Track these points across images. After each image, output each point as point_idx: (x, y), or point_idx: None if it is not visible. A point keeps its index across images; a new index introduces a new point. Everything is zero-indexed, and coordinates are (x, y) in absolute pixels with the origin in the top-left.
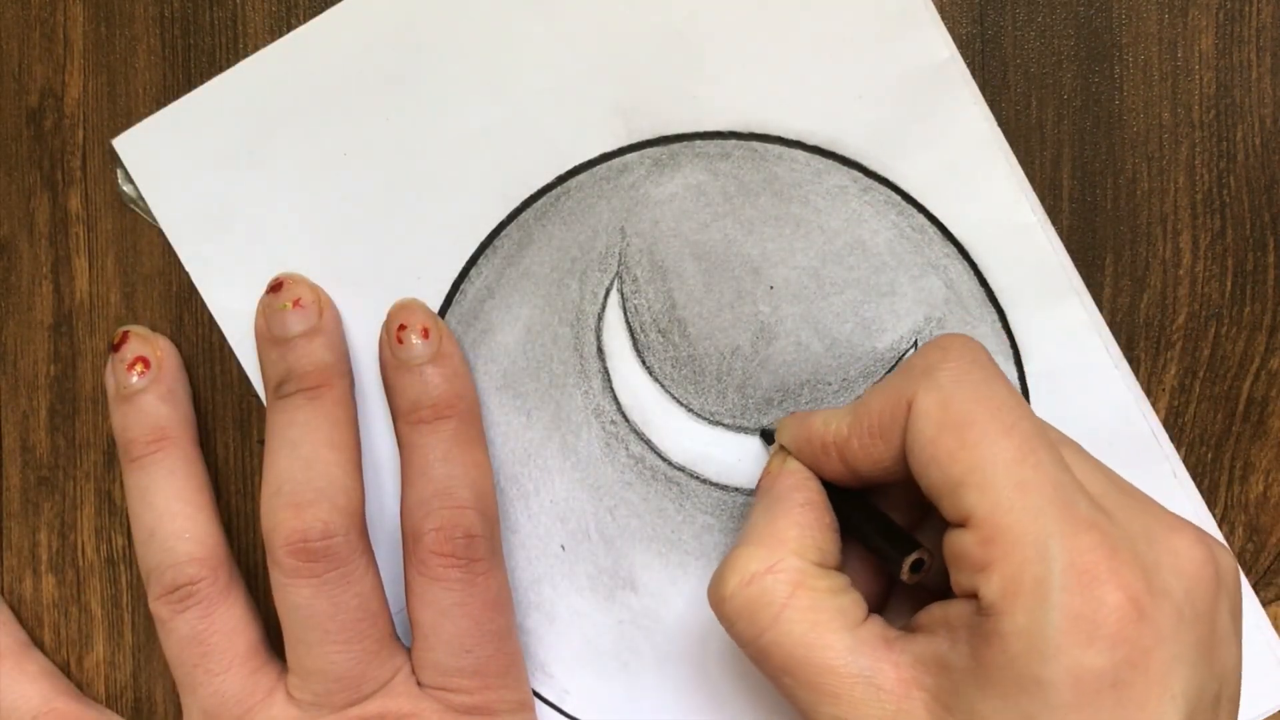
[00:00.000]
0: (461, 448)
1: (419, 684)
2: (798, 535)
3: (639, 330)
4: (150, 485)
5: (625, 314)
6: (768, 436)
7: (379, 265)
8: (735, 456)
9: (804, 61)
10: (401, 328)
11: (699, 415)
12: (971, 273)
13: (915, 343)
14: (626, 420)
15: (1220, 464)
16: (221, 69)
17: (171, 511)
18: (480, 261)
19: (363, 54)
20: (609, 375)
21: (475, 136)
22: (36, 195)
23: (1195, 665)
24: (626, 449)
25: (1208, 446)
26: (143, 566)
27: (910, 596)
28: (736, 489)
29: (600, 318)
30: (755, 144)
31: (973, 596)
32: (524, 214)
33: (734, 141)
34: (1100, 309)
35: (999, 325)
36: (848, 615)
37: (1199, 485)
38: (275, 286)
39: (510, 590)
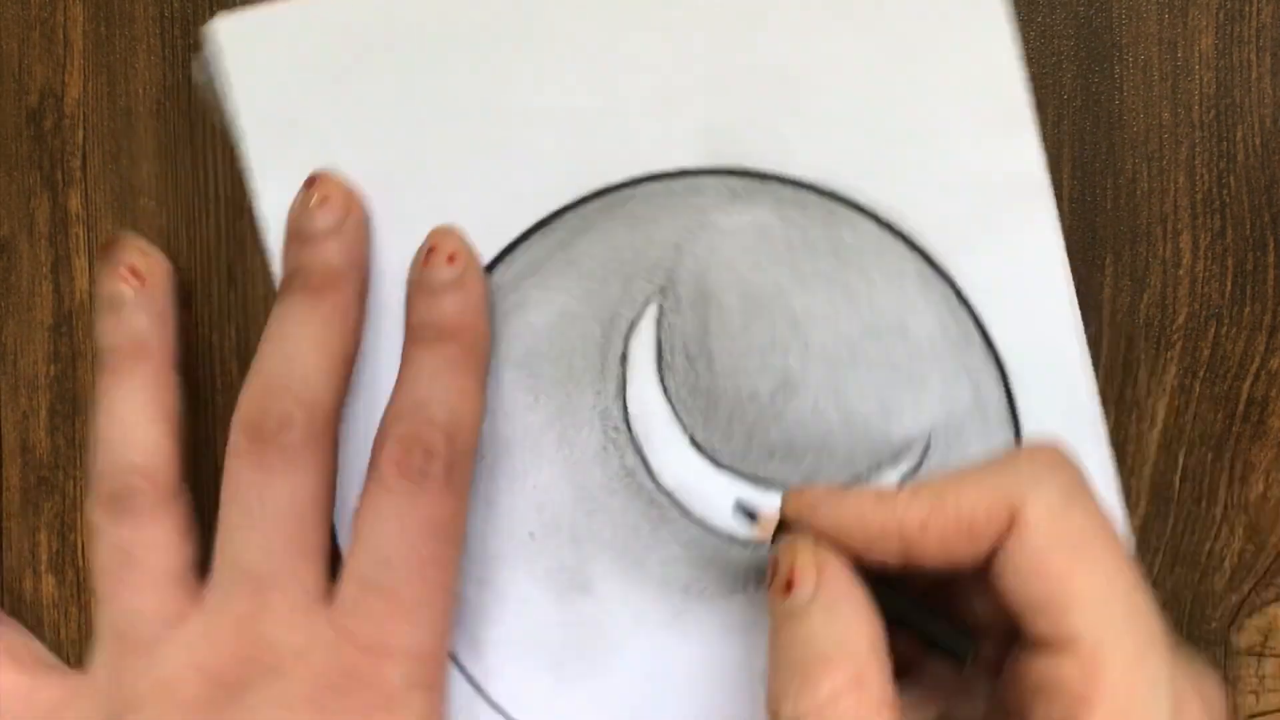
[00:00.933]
0: (452, 372)
1: (330, 604)
2: (869, 642)
3: (667, 348)
4: (116, 396)
5: (658, 329)
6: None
7: (435, 213)
8: (722, 498)
9: (899, 137)
10: (432, 249)
11: (700, 447)
12: (1003, 389)
13: (928, 443)
14: (629, 430)
15: (1220, 464)
16: None
17: (128, 423)
18: (533, 237)
19: (480, 7)
20: (625, 383)
21: (563, 117)
22: (36, 195)
23: None
24: (621, 458)
25: (1208, 446)
26: (91, 473)
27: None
28: (713, 529)
29: (634, 325)
30: (831, 203)
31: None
32: (588, 204)
33: (812, 194)
34: (1100, 309)
35: (1013, 444)
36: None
37: (1199, 485)
38: (309, 181)
39: (460, 530)
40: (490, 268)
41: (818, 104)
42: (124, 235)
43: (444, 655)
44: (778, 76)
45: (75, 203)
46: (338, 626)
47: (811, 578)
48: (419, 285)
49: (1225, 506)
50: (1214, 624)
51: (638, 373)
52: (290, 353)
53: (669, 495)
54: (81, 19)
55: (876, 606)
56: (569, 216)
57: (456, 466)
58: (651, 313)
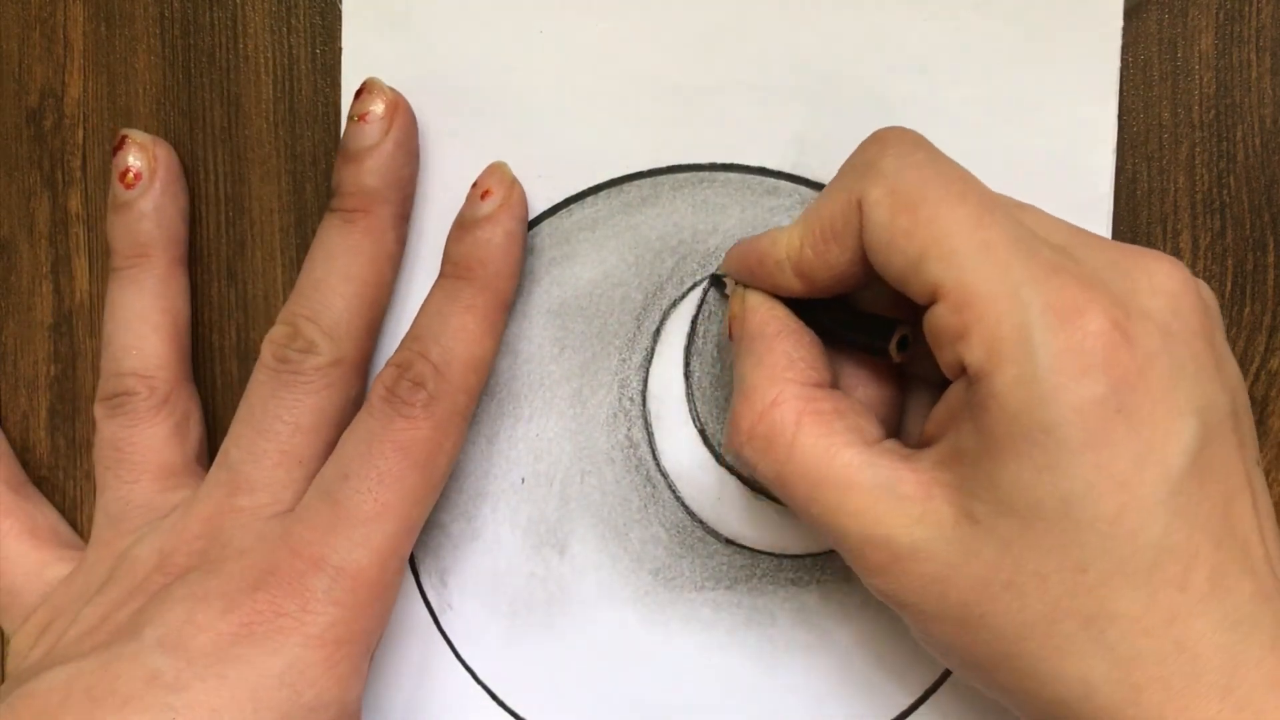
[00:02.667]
0: (461, 312)
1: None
2: (787, 364)
3: (701, 334)
4: (120, 297)
5: (698, 313)
6: (718, 283)
7: (510, 148)
8: (717, 491)
9: (982, 176)
10: (475, 184)
11: (707, 439)
12: None
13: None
14: (644, 404)
15: None
16: (222, 69)
17: (130, 326)
18: (599, 195)
19: None
20: (652, 357)
21: (667, 88)
22: (36, 195)
23: (1198, 378)
24: (629, 430)
25: None
26: (100, 371)
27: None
28: (699, 520)
29: (675, 304)
30: None
31: (963, 372)
32: (663, 176)
33: None
34: None
35: None
36: (861, 433)
37: None
38: (359, 90)
39: (434, 461)
40: (551, 213)
41: None
42: (125, 133)
43: (381, 580)
44: (880, 105)
45: (75, 203)
46: (286, 531)
47: (738, 323)
48: (458, 221)
49: None
50: None
51: (666, 350)
52: (319, 279)
53: (666, 477)
54: (81, 19)
55: (813, 331)
56: (641, 183)
57: (441, 401)
58: (695, 296)
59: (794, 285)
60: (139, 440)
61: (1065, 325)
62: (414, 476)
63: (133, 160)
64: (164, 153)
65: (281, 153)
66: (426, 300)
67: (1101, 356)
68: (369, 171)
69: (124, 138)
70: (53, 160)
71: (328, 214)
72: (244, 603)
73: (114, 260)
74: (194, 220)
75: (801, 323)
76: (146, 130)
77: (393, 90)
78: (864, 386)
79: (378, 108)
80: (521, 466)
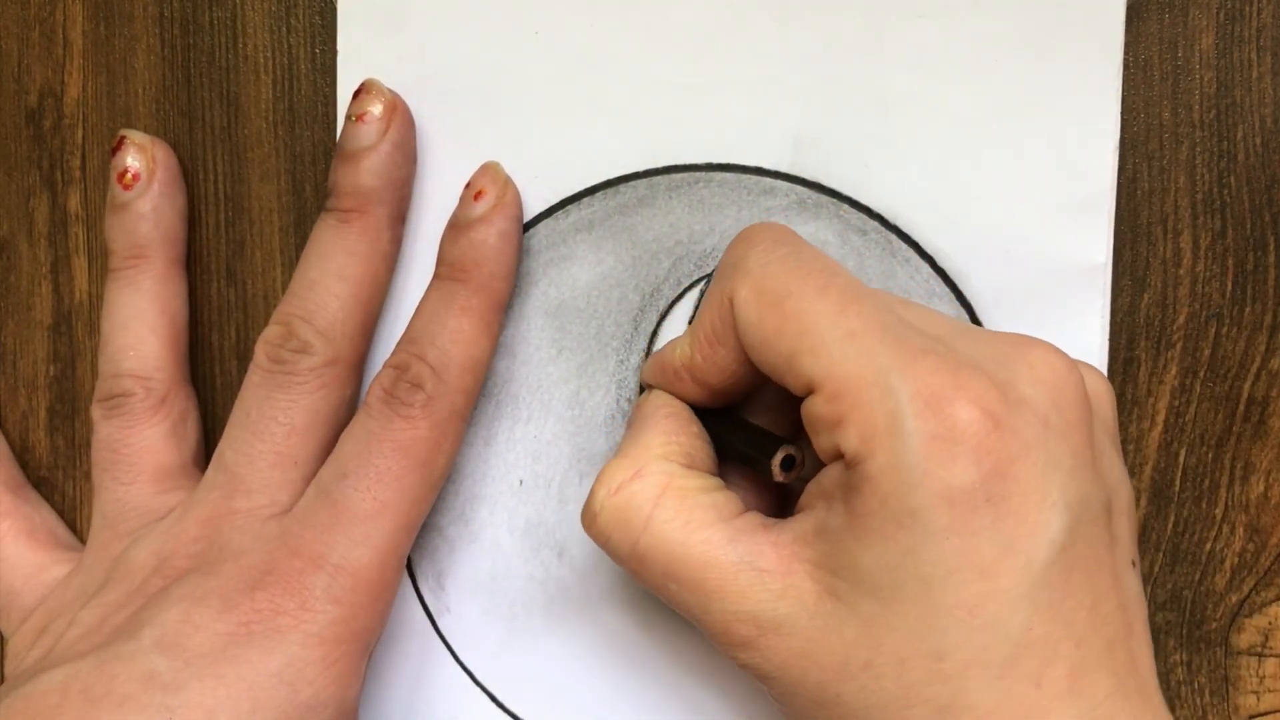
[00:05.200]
0: (457, 314)
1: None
2: (662, 441)
3: None
4: (117, 298)
5: (694, 315)
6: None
7: (506, 149)
8: None
9: (979, 193)
10: (468, 185)
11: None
12: None
13: None
14: None
15: (1220, 464)
16: (221, 69)
17: (126, 327)
18: (596, 195)
19: None
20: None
21: (663, 87)
22: (36, 195)
23: (1073, 472)
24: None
25: (1208, 446)
26: (98, 372)
27: None
28: None
29: (673, 305)
30: (894, 237)
31: (839, 457)
32: (659, 177)
33: (878, 224)
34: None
35: None
36: (721, 509)
37: (1199, 485)
38: (356, 91)
39: (432, 461)
40: (547, 214)
41: (909, 141)
42: (123, 134)
43: (380, 579)
44: (878, 103)
45: (75, 203)
46: (284, 531)
47: (634, 409)
48: (452, 223)
49: (1225, 506)
50: (1214, 624)
51: None
52: (314, 280)
53: None
54: (81, 19)
55: (711, 436)
56: (637, 184)
57: (438, 402)
58: (692, 297)
59: (693, 391)
60: (136, 441)
61: (935, 412)
62: (413, 476)
63: (131, 161)
64: (162, 153)
65: (281, 153)
66: (422, 302)
67: (971, 443)
68: (366, 171)
69: (122, 138)
70: (52, 160)
71: (323, 214)
72: (242, 603)
73: (111, 261)
74: (193, 221)
75: (692, 414)
76: (146, 130)
77: (391, 91)
78: (748, 483)
79: (376, 108)
80: (519, 469)
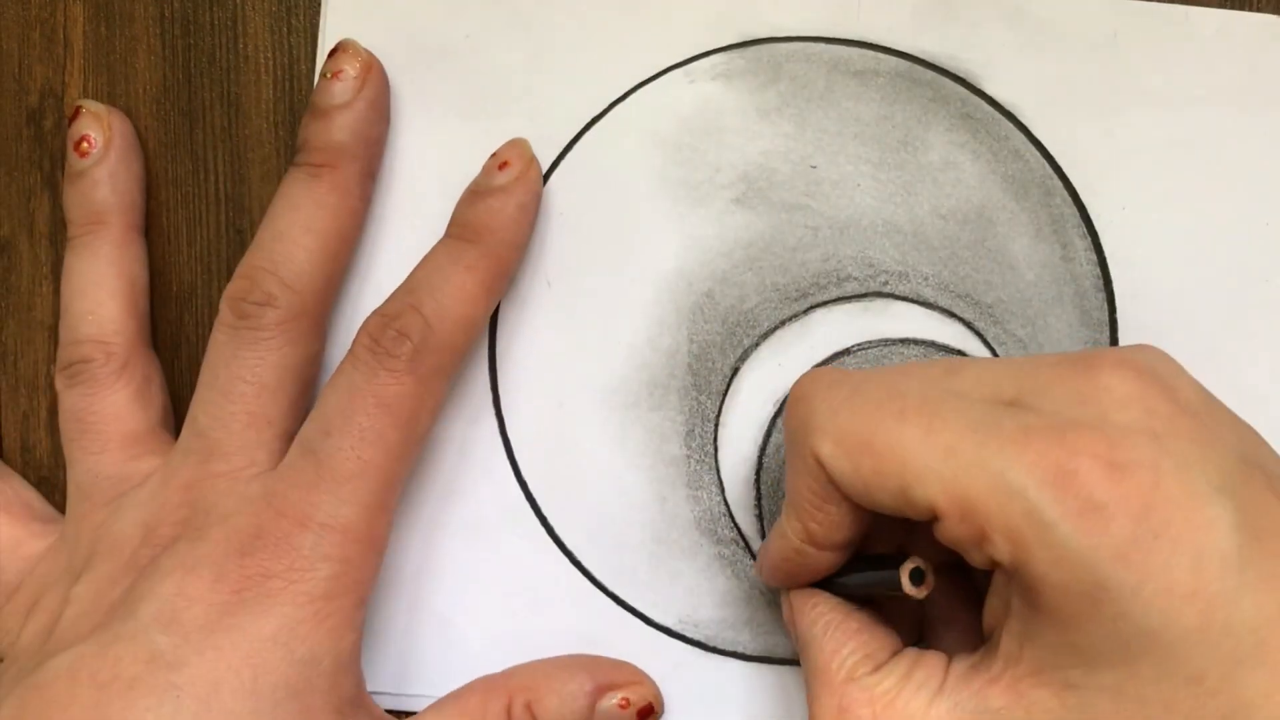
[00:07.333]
0: (462, 271)
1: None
2: (838, 664)
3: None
4: (75, 265)
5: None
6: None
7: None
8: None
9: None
10: (493, 156)
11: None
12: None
13: None
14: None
15: None
16: (221, 69)
17: (85, 293)
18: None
19: None
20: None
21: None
22: (36, 195)
23: (1202, 456)
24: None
25: None
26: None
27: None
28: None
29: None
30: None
31: (996, 564)
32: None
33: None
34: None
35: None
36: (924, 682)
37: None
38: (332, 51)
39: (415, 418)
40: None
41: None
42: (79, 104)
43: (369, 533)
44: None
45: None
46: (269, 491)
47: (789, 627)
48: (471, 189)
49: None
50: None
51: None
52: (281, 231)
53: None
54: (81, 19)
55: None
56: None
57: (426, 356)
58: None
59: (823, 559)
60: (100, 409)
61: (1065, 489)
62: (395, 434)
63: (88, 129)
64: (119, 122)
65: (281, 153)
66: (427, 256)
67: (1112, 499)
68: (340, 128)
69: (79, 108)
70: (53, 160)
71: (291, 168)
72: (232, 569)
73: (70, 229)
74: (194, 221)
75: (843, 604)
76: (146, 130)
77: (368, 51)
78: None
79: (351, 68)
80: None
